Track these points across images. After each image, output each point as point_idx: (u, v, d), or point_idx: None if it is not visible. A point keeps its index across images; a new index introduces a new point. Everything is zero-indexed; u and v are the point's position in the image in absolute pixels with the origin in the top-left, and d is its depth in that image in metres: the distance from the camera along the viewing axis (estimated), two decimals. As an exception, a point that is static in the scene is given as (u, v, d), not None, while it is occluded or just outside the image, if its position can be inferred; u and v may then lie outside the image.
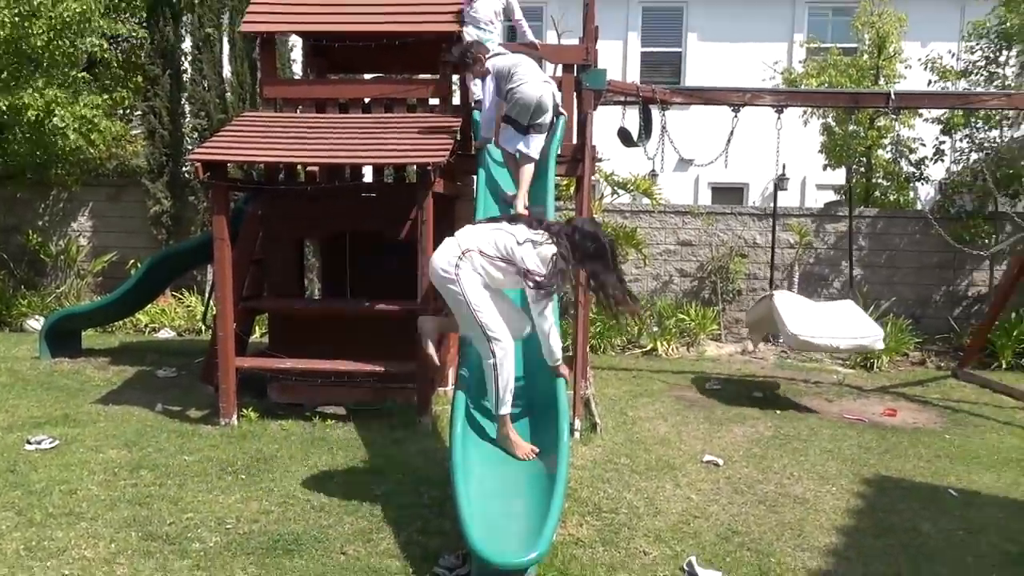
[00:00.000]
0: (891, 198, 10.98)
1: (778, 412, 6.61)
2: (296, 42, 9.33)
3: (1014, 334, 8.86)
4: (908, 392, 7.64)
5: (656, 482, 4.75)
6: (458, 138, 6.13)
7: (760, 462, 5.24)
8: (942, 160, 10.50)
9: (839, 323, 6.83)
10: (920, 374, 8.51)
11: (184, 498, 4.26)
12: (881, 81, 10.50)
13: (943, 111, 10.03)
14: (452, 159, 5.83)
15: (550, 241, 3.98)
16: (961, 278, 9.99)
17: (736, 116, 7.20)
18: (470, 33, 6.17)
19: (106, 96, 9.83)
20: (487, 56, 5.61)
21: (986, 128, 10.06)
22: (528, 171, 5.44)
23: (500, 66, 5.55)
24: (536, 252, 3.97)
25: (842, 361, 8.92)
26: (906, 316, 9.61)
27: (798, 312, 6.86)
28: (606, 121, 7.63)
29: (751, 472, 5.02)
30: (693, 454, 5.34)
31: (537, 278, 3.91)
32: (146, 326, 9.49)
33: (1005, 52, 10.01)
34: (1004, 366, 8.71)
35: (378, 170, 6.92)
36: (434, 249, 5.57)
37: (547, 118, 5.48)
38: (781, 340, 7.01)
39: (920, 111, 10.09)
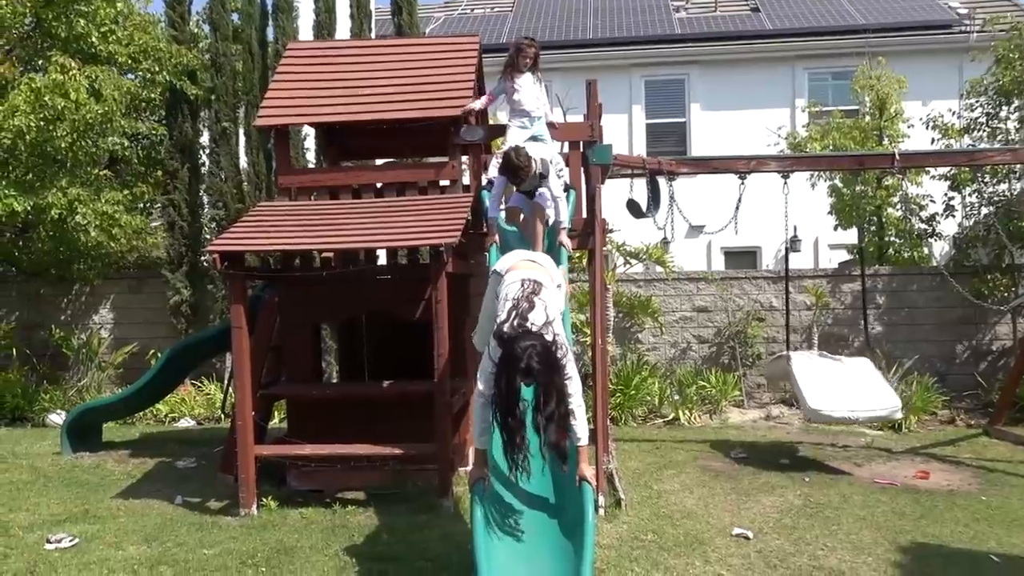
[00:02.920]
0: (905, 255, 10.95)
1: (807, 479, 6.46)
2: (310, 131, 9.61)
3: (1044, 388, 8.68)
4: (939, 452, 7.45)
5: (685, 559, 4.63)
6: (469, 217, 6.22)
7: (791, 533, 5.09)
8: (953, 215, 10.51)
9: (857, 392, 6.91)
10: (950, 433, 8.32)
11: (204, 594, 4.19)
12: (885, 141, 10.62)
13: (949, 168, 10.09)
14: (464, 239, 5.91)
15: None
16: (984, 332, 9.86)
17: (743, 183, 7.29)
18: (513, 125, 6.10)
19: (127, 192, 10.11)
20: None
21: (994, 182, 10.09)
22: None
23: (554, 159, 5.68)
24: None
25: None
26: (931, 373, 9.46)
27: (816, 379, 6.95)
28: (615, 193, 7.73)
29: (783, 544, 4.88)
30: (722, 527, 5.21)
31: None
32: (166, 416, 9.50)
33: (1005, 108, 10.12)
34: (1037, 421, 8.51)
35: (392, 252, 7.02)
36: (449, 328, 5.65)
37: None
38: (805, 417, 7.21)
39: (927, 169, 10.16)
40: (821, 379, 6.98)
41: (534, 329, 3.74)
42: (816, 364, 7.25)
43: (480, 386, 3.95)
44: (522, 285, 3.91)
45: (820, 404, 6.74)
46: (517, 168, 5.23)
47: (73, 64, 8.55)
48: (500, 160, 5.55)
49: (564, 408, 3.79)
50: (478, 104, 6.39)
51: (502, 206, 5.96)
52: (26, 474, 6.91)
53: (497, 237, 5.67)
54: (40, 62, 9.74)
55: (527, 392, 3.80)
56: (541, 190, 5.54)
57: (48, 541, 5.06)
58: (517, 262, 4.19)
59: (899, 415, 6.96)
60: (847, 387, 6.93)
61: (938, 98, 12.13)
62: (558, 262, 5.08)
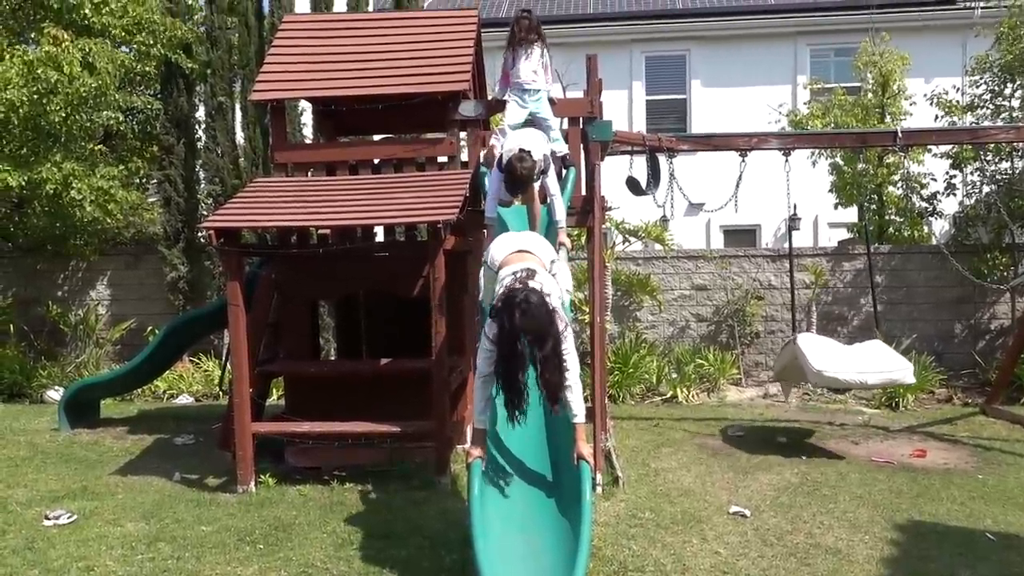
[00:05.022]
0: (905, 234, 10.91)
1: (804, 457, 6.47)
2: (307, 105, 9.51)
3: (1041, 367, 8.68)
4: (936, 431, 7.47)
5: (682, 536, 4.64)
6: (467, 194, 6.16)
7: (788, 511, 5.11)
8: (954, 194, 10.45)
9: (866, 358, 6.68)
10: (947, 412, 8.33)
11: (202, 571, 4.19)
12: (887, 119, 10.53)
13: (952, 146, 10.02)
14: (462, 216, 5.86)
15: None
16: (982, 311, 9.85)
17: (743, 160, 7.23)
18: (511, 100, 5.93)
19: (122, 167, 10.02)
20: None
21: (996, 160, 10.03)
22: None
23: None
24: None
25: (866, 401, 8.76)
26: (928, 352, 9.46)
27: (824, 351, 6.70)
28: (614, 170, 7.67)
29: (780, 522, 4.89)
30: (719, 505, 5.22)
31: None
32: (164, 392, 9.50)
33: (1009, 85, 10.03)
34: (1034, 400, 8.52)
35: (389, 229, 6.97)
36: (447, 306, 5.62)
37: None
38: (808, 382, 6.75)
39: (929, 147, 10.08)
40: (830, 351, 6.77)
41: None
42: (824, 341, 7.07)
43: (480, 365, 3.98)
44: (514, 276, 3.99)
45: (824, 365, 6.41)
46: (519, 180, 5.00)
47: (66, 36, 8.44)
48: (503, 154, 5.20)
49: (559, 353, 3.86)
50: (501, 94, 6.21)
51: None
52: (24, 450, 6.92)
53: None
54: (32, 35, 9.61)
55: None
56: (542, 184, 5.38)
57: (46, 517, 5.06)
58: (508, 255, 4.21)
59: (911, 378, 6.65)
60: (856, 355, 6.70)
61: (942, 75, 12.02)
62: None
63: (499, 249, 4.27)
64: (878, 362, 6.61)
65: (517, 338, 3.80)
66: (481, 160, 6.24)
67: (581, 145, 6.38)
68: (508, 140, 5.35)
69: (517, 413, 3.94)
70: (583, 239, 8.14)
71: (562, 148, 6.00)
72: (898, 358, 6.71)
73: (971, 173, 10.34)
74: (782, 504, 5.26)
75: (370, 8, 11.12)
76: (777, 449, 6.75)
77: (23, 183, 8.54)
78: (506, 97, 6.12)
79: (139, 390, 9.27)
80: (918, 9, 13.77)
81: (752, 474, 5.98)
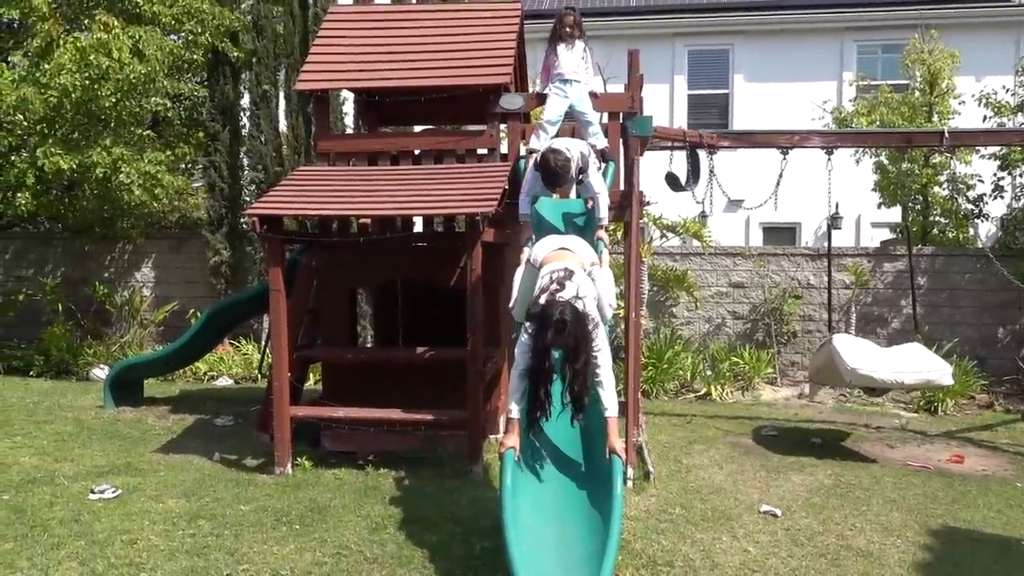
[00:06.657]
0: (950, 235, 10.71)
1: (838, 459, 6.42)
2: (349, 95, 9.61)
3: (1087, 375, 8.49)
4: (975, 437, 7.35)
5: (712, 533, 4.65)
6: (506, 187, 6.19)
7: (820, 512, 5.08)
8: (1002, 196, 10.23)
9: (903, 359, 6.61)
10: (988, 418, 8.19)
11: (240, 549, 4.32)
12: (934, 118, 10.33)
13: (1000, 147, 9.80)
14: (500, 208, 5.89)
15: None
16: (1028, 317, 9.64)
17: (785, 158, 7.16)
18: (552, 92, 5.98)
19: (169, 152, 10.25)
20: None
21: (1047, 163, 9.79)
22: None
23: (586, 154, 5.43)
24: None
25: (904, 405, 8.64)
26: (970, 357, 9.30)
27: (860, 352, 6.63)
28: (654, 165, 7.65)
29: (811, 523, 4.88)
30: (750, 504, 5.21)
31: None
32: (205, 374, 9.72)
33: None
34: (1078, 409, 8.34)
35: (428, 220, 7.03)
36: (483, 297, 5.67)
37: None
38: (846, 380, 6.56)
39: (977, 148, 9.88)
40: (865, 348, 6.75)
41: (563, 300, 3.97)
42: (860, 342, 7.03)
43: (518, 358, 4.11)
44: (551, 277, 4.10)
45: (860, 363, 6.31)
46: (554, 173, 5.01)
47: (116, 23, 8.64)
48: (537, 159, 5.25)
49: (590, 364, 4.01)
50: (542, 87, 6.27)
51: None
52: (71, 426, 7.14)
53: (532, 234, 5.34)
54: (86, 21, 9.84)
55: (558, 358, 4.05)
56: (584, 184, 5.38)
57: (92, 491, 5.24)
58: (549, 253, 4.33)
59: (949, 380, 6.51)
60: (893, 356, 6.65)
61: (992, 74, 11.74)
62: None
63: (541, 248, 4.40)
64: (916, 363, 6.52)
65: (548, 353, 3.93)
66: (521, 154, 6.26)
67: (620, 140, 6.38)
68: (541, 143, 5.47)
69: (538, 422, 4.12)
70: (620, 234, 8.15)
71: (601, 143, 6.01)
72: (936, 360, 6.62)
73: (1020, 175, 10.10)
74: (814, 505, 5.23)
75: (414, 0, 11.18)
76: (811, 450, 6.70)
77: (74, 166, 8.78)
78: (547, 90, 6.15)
79: (181, 371, 9.50)
80: (970, 5, 13.44)
81: (784, 474, 5.95)
